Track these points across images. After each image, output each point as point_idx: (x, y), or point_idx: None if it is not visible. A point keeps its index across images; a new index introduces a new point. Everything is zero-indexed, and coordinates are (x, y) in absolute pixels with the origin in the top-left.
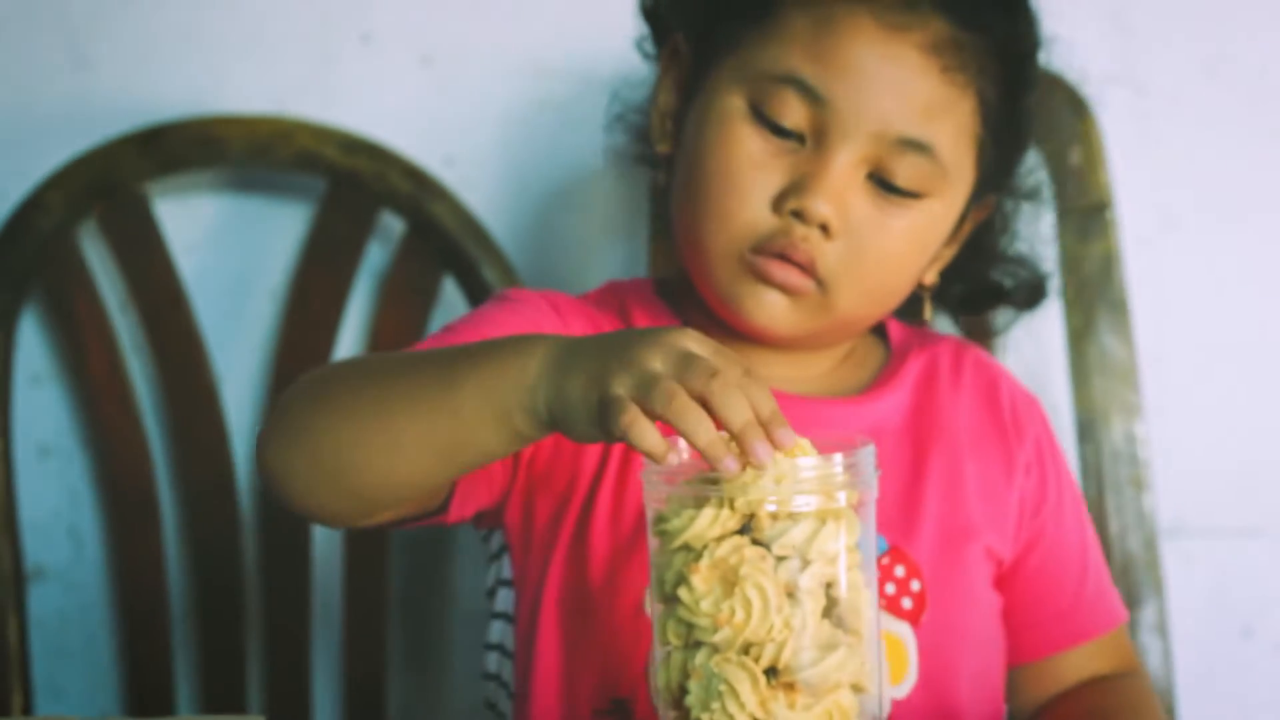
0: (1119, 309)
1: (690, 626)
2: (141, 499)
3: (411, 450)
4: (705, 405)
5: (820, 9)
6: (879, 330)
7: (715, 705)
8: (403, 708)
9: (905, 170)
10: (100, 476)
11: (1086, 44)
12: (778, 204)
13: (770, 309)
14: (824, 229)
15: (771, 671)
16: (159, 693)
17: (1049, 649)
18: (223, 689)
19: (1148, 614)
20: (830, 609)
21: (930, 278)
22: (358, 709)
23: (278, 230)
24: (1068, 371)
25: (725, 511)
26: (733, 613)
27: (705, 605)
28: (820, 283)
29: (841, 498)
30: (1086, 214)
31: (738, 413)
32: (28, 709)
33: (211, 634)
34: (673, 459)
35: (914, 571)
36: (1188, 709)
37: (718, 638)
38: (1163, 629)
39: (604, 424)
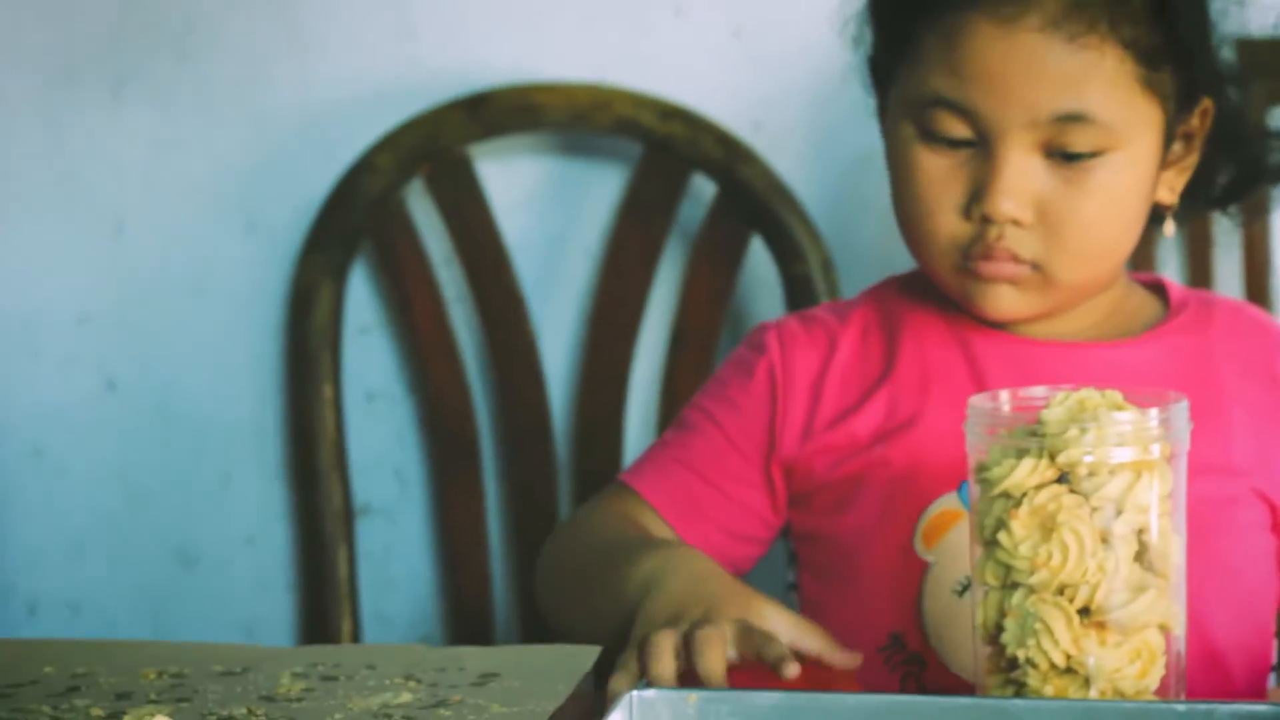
0: None
1: (1008, 568)
2: (463, 442)
3: (598, 631)
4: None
5: (944, 26)
6: (1159, 292)
7: (1030, 642)
8: None
9: (1075, 139)
10: (424, 421)
11: None
12: (967, 213)
13: (1000, 301)
14: (1015, 222)
15: (1084, 612)
16: (479, 623)
17: None
18: (538, 621)
19: None
20: (1141, 554)
21: (1169, 198)
22: None
23: (594, 192)
24: None
25: (1044, 462)
26: (1049, 556)
27: (1024, 549)
28: (1034, 265)
29: (1156, 450)
30: None
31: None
32: (356, 636)
33: (528, 570)
34: (1003, 401)
35: None
36: None
37: (1034, 579)
38: None
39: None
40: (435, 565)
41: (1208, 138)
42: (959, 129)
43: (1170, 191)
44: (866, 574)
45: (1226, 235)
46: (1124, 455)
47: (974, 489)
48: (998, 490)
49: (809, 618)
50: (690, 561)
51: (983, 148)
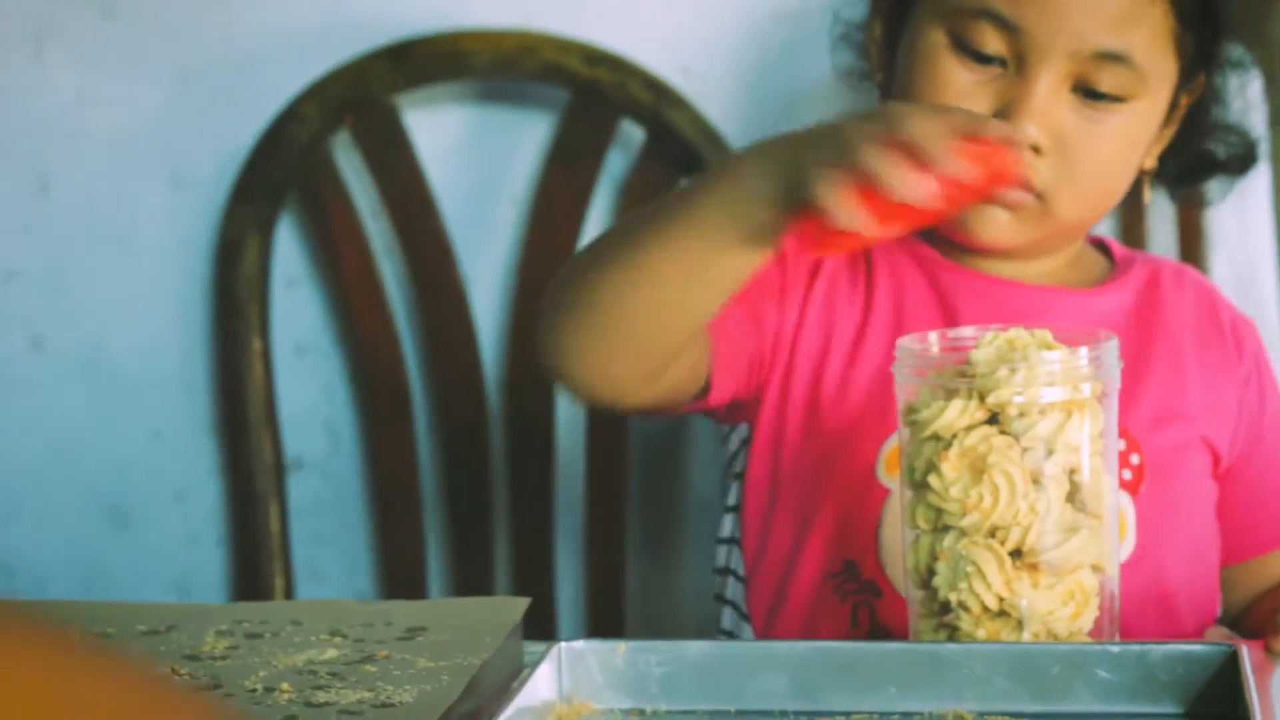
0: None
1: (939, 511)
2: (393, 394)
3: (670, 278)
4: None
5: None
6: (1102, 248)
7: (963, 585)
8: (640, 592)
9: (1106, 80)
10: (354, 373)
11: None
12: None
13: (994, 225)
14: (1034, 149)
15: (1016, 554)
16: (411, 575)
17: (1263, 548)
18: (471, 572)
19: None
20: (1073, 494)
21: (1150, 162)
22: (598, 591)
23: (522, 139)
24: (1277, 271)
25: (974, 403)
26: (981, 498)
27: (954, 491)
28: (1038, 195)
29: (1086, 389)
30: None
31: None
32: (289, 590)
33: (460, 521)
34: (931, 342)
35: (1134, 446)
36: None
37: (965, 522)
38: None
39: (803, 190)
40: (367, 518)
41: (1185, 115)
42: (996, 45)
43: (1151, 157)
44: (825, 499)
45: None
46: (1054, 395)
47: (903, 431)
48: (927, 432)
49: (754, 541)
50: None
51: (1015, 68)
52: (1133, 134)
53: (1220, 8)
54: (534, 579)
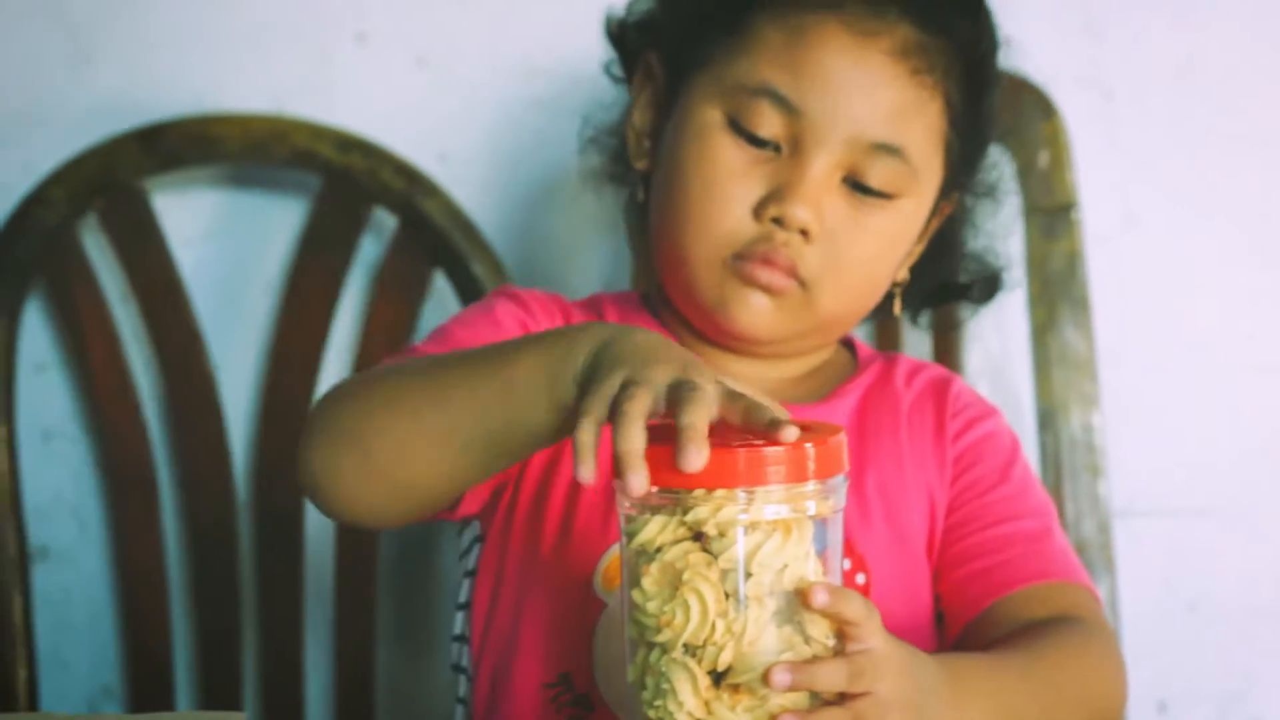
0: (1081, 305)
1: (643, 626)
2: (141, 482)
3: (465, 435)
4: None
5: (791, 20)
6: (852, 350)
7: (658, 703)
8: (391, 683)
9: (878, 173)
10: (102, 461)
11: (1055, 48)
12: (758, 211)
13: (755, 311)
14: (804, 233)
15: (726, 672)
16: (158, 665)
17: (988, 598)
18: (218, 662)
19: (1101, 591)
20: (793, 615)
21: (901, 274)
22: (348, 684)
23: (274, 225)
24: (1030, 364)
25: (676, 518)
26: (673, 615)
27: (651, 607)
28: (802, 283)
29: (811, 507)
30: (1052, 214)
31: (692, 414)
32: (33, 681)
33: (208, 610)
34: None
35: (859, 565)
36: (1137, 676)
37: (661, 638)
38: (1114, 604)
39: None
40: (114, 608)
41: (934, 234)
42: (774, 127)
43: (903, 269)
44: (541, 607)
45: None
46: (773, 512)
47: (623, 541)
48: (634, 545)
49: (477, 641)
50: (644, 330)
51: (790, 151)
52: (897, 232)
53: (987, 123)
54: (282, 669)
